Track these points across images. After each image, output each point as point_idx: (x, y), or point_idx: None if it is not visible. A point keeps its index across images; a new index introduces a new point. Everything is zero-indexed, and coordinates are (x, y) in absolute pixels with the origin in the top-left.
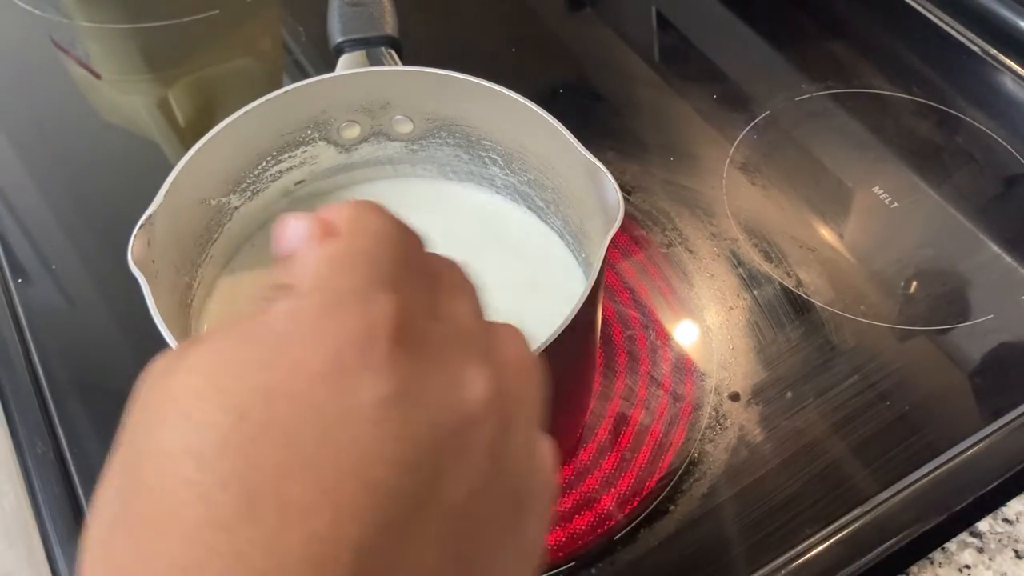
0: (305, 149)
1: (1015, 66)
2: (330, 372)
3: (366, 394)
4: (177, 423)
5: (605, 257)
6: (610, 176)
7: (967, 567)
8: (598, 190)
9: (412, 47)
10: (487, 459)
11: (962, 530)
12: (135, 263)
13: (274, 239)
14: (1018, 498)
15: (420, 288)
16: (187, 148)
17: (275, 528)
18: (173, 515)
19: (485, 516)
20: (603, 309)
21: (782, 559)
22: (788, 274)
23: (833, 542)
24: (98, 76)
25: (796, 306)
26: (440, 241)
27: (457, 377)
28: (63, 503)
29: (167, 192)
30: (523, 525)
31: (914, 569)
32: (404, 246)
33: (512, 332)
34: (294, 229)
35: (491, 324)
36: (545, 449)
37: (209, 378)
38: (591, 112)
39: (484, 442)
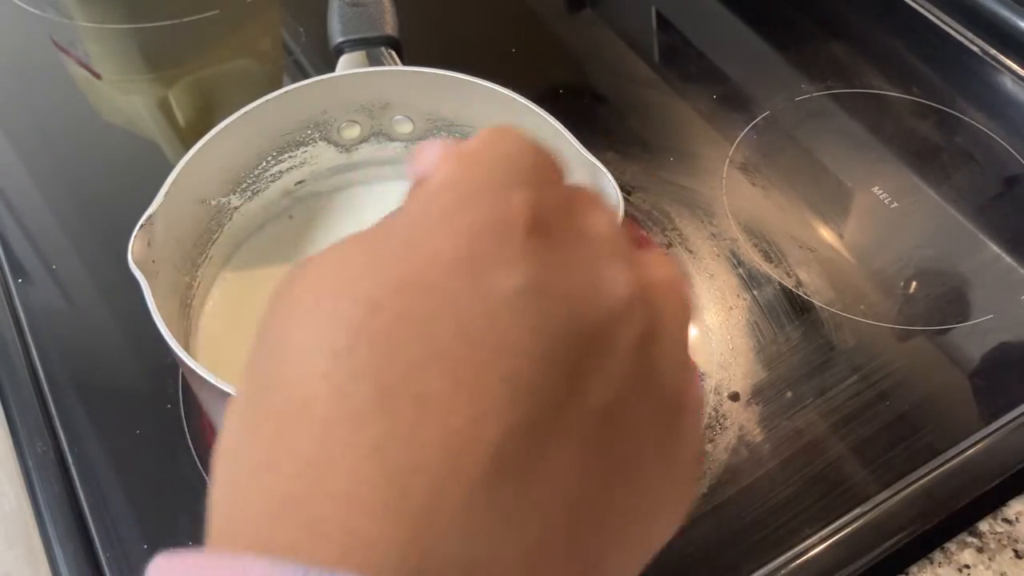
0: (305, 149)
1: (1015, 66)
2: (465, 261)
3: (503, 283)
4: (306, 318)
5: None
6: (610, 176)
7: (967, 567)
8: (598, 190)
9: (412, 47)
10: (633, 361)
11: (962, 530)
12: (135, 263)
13: (409, 164)
14: (1018, 498)
15: (558, 195)
16: (187, 148)
17: (411, 422)
18: (304, 410)
19: (632, 424)
20: None
21: (782, 559)
22: (788, 274)
23: (833, 542)
24: (98, 76)
25: (796, 306)
26: None
27: (598, 274)
28: (63, 503)
29: (167, 192)
30: (675, 441)
31: (914, 569)
32: (542, 158)
33: (659, 254)
34: (430, 150)
35: (634, 245)
36: (695, 370)
37: (339, 274)
38: (591, 112)
39: (629, 343)
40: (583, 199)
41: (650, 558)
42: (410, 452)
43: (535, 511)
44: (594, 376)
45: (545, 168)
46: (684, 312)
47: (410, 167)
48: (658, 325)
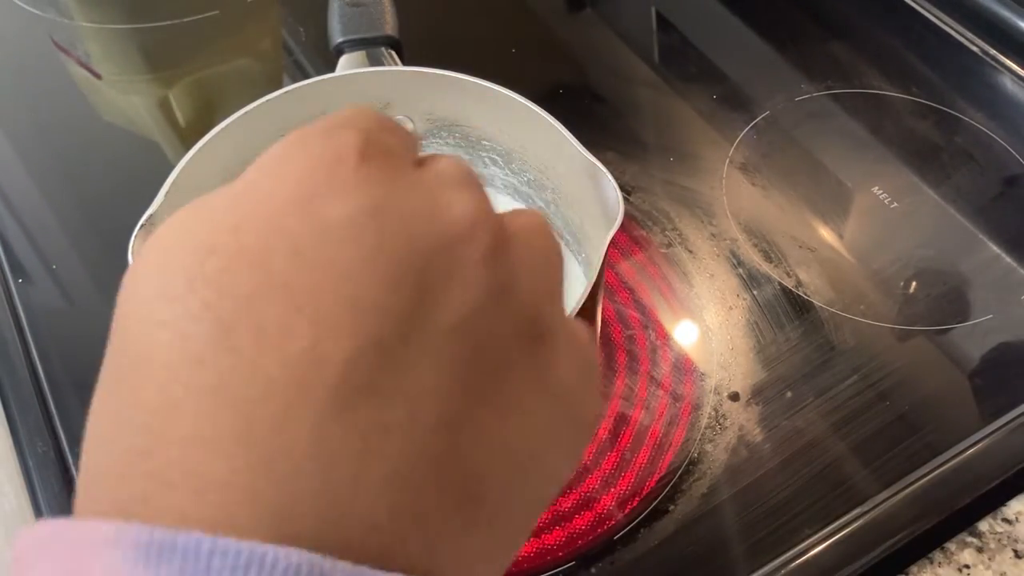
0: None
1: (1015, 66)
2: (297, 198)
3: (337, 211)
4: (148, 275)
5: (605, 257)
6: (610, 176)
7: (967, 567)
8: (598, 190)
9: (412, 47)
10: (483, 277)
11: (962, 530)
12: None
13: None
14: (1018, 498)
15: (398, 138)
16: (187, 148)
17: (251, 354)
18: (147, 361)
19: (491, 342)
20: (603, 309)
21: (782, 559)
22: (788, 274)
23: (833, 542)
24: (98, 76)
25: (796, 306)
26: None
27: (437, 199)
28: (63, 503)
29: (167, 192)
30: (545, 359)
31: (914, 569)
32: (385, 120)
33: (524, 210)
34: None
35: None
36: (592, 325)
37: (177, 231)
38: (591, 112)
39: (477, 257)
40: (428, 157)
41: (548, 499)
42: (253, 384)
43: (395, 433)
44: (443, 292)
45: (387, 121)
46: (544, 242)
47: None
48: (509, 247)
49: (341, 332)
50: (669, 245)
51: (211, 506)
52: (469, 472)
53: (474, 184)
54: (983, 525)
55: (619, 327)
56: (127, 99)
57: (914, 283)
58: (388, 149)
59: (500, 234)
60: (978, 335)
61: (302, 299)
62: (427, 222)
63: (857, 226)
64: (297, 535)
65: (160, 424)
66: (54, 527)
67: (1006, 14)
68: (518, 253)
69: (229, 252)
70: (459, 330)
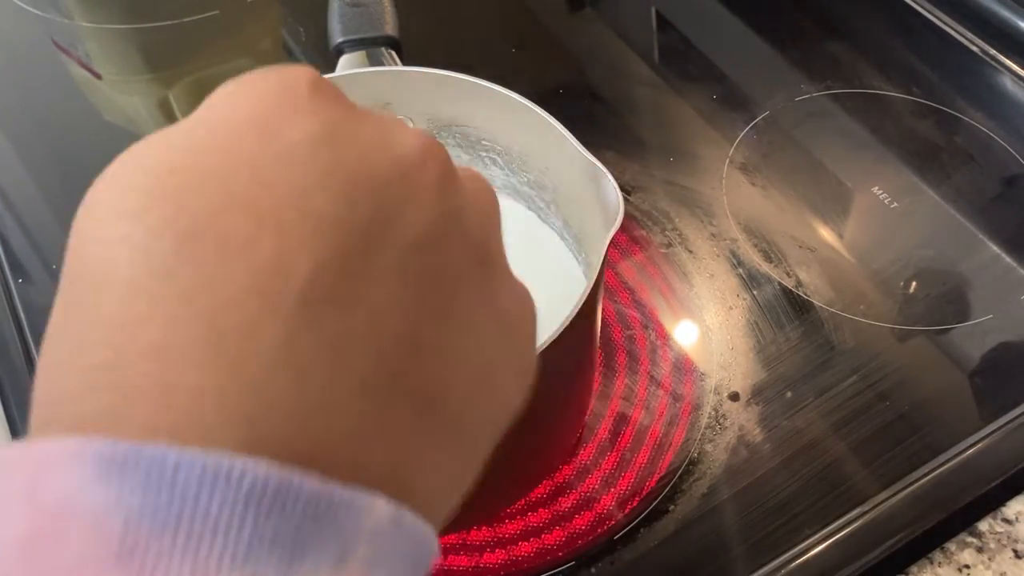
0: None
1: (1015, 66)
2: (252, 121)
3: (293, 134)
4: (103, 198)
5: (605, 257)
6: (610, 176)
7: (967, 567)
8: (598, 190)
9: (412, 47)
10: (436, 201)
11: (962, 530)
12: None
13: None
14: (1018, 498)
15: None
16: None
17: (216, 265)
18: (108, 278)
19: (446, 262)
20: (603, 309)
21: (782, 559)
22: (788, 274)
23: (833, 542)
24: (98, 76)
25: (796, 306)
26: None
27: (388, 131)
28: None
29: None
30: (492, 286)
31: (914, 569)
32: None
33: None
34: None
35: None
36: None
37: (131, 156)
38: (591, 112)
39: (429, 183)
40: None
41: (501, 424)
42: (221, 293)
43: (362, 341)
44: (398, 213)
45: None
46: (484, 185)
47: None
48: (456, 179)
49: (305, 244)
50: (669, 245)
51: (180, 413)
52: (431, 383)
53: (421, 134)
54: (983, 525)
55: (619, 327)
56: (127, 99)
57: (914, 283)
58: (335, 90)
59: (449, 166)
60: (978, 335)
61: (265, 213)
62: (381, 149)
63: (857, 226)
64: (265, 442)
65: (126, 338)
66: (7, 455)
67: (1006, 14)
68: (464, 186)
69: (188, 171)
70: (416, 247)
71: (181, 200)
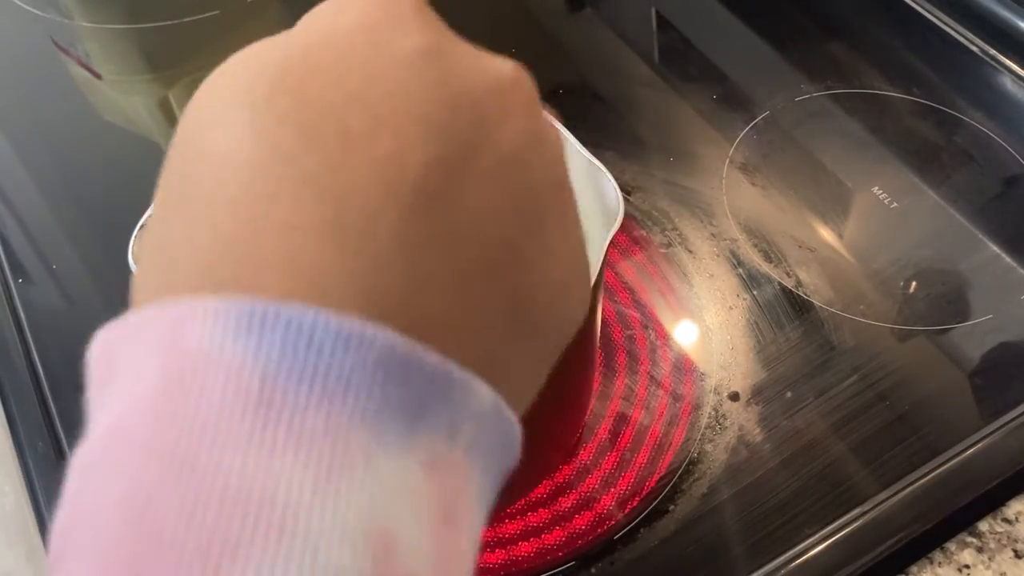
0: None
1: (1015, 66)
2: (362, 28)
3: (402, 44)
4: (219, 90)
5: (605, 257)
6: (610, 176)
7: (967, 567)
8: (598, 190)
9: None
10: (526, 120)
11: (962, 530)
12: (136, 263)
13: None
14: (1018, 498)
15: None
16: None
17: (339, 152)
18: (232, 161)
19: (534, 182)
20: (603, 309)
21: (782, 559)
22: (788, 274)
23: (833, 542)
24: (98, 76)
25: (796, 306)
26: None
27: (483, 55)
28: None
29: None
30: (568, 212)
31: (914, 569)
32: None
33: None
34: None
35: None
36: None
37: (242, 58)
38: (591, 112)
39: (521, 104)
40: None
41: (565, 337)
42: (343, 178)
43: (465, 237)
44: (495, 128)
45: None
46: (554, 124)
47: None
48: (540, 106)
49: (416, 144)
50: (669, 245)
51: (306, 284)
52: (520, 287)
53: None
54: (983, 525)
55: (619, 327)
56: (127, 99)
57: (914, 283)
58: (434, 13)
59: (535, 93)
60: (978, 335)
61: (382, 113)
62: (479, 69)
63: (857, 226)
64: (381, 317)
65: (253, 214)
66: (140, 315)
67: (1006, 14)
68: (546, 114)
69: (306, 68)
70: (511, 160)
71: (302, 93)
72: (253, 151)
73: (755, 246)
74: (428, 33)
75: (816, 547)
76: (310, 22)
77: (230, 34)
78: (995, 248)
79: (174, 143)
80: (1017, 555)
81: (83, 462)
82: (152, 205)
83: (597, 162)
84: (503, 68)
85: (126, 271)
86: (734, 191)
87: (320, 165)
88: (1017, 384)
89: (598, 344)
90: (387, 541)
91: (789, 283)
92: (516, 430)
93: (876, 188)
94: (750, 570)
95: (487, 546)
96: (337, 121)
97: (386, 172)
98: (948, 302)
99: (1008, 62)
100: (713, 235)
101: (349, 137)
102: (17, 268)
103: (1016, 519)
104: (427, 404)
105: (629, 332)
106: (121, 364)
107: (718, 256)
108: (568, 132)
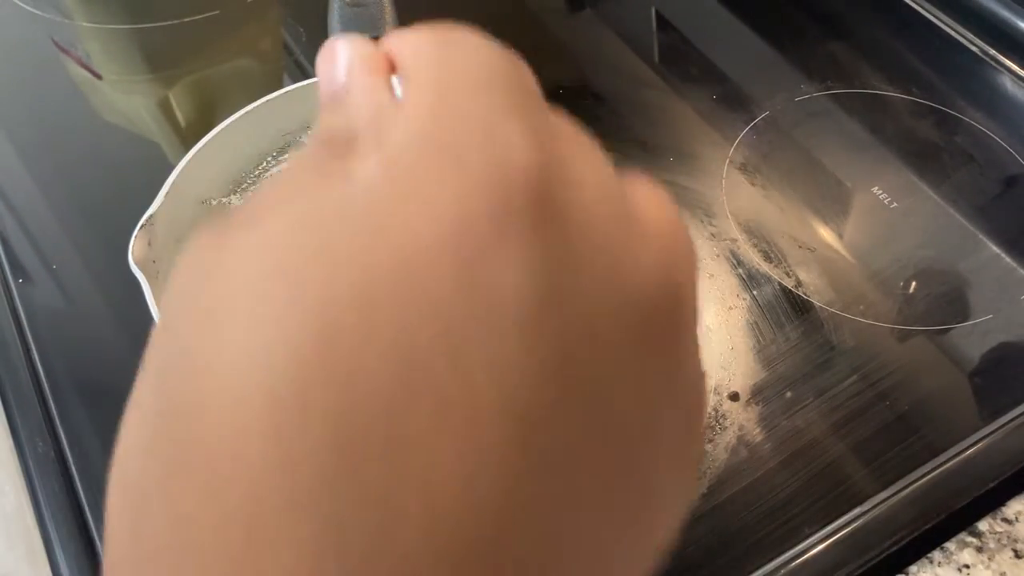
0: None
1: (1015, 66)
2: (454, 251)
3: (503, 281)
4: (235, 320)
5: None
6: None
7: (966, 567)
8: None
9: None
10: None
11: (961, 530)
12: (136, 263)
13: (320, 73)
14: (1018, 498)
15: (549, 134)
16: (188, 148)
17: (378, 492)
18: (233, 457)
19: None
20: None
21: (782, 559)
22: (788, 274)
23: (833, 542)
24: (98, 76)
25: (796, 306)
26: None
27: (618, 259)
28: (63, 503)
29: (168, 192)
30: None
31: (913, 569)
32: (517, 72)
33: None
34: (345, 56)
35: (627, 181)
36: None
37: (279, 261)
38: (591, 112)
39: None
40: (566, 132)
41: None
42: (376, 535)
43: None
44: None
45: (522, 84)
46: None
47: (322, 76)
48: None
49: (499, 463)
50: None
51: None
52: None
53: (626, 204)
54: (983, 525)
55: None
56: (127, 99)
57: (914, 283)
58: (559, 177)
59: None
60: (978, 335)
61: (455, 415)
62: (610, 299)
63: (857, 226)
64: None
65: (246, 552)
66: None
67: (1006, 14)
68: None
69: (358, 334)
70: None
71: (347, 387)
72: (265, 448)
73: (755, 246)
74: (549, 255)
75: (816, 547)
76: (389, 190)
77: (230, 34)
78: (995, 248)
79: (167, 331)
80: (1017, 555)
81: None
82: (129, 404)
83: None
84: (651, 279)
85: (126, 271)
86: (734, 191)
87: (346, 509)
88: (1017, 384)
89: None
90: None
91: (789, 283)
92: None
93: (876, 188)
94: (750, 570)
95: None
96: (388, 427)
97: (432, 522)
98: (948, 302)
99: (1008, 62)
100: (713, 235)
101: (395, 464)
102: (17, 268)
103: (1016, 519)
104: None
105: None
106: None
107: (718, 256)
108: None
